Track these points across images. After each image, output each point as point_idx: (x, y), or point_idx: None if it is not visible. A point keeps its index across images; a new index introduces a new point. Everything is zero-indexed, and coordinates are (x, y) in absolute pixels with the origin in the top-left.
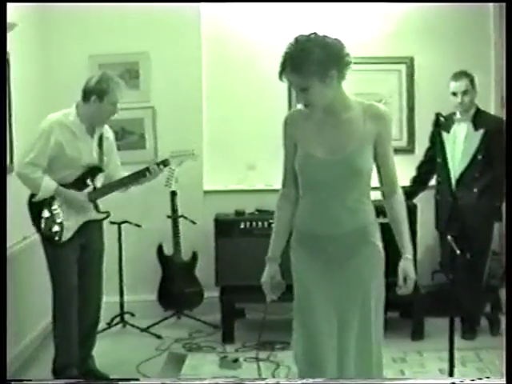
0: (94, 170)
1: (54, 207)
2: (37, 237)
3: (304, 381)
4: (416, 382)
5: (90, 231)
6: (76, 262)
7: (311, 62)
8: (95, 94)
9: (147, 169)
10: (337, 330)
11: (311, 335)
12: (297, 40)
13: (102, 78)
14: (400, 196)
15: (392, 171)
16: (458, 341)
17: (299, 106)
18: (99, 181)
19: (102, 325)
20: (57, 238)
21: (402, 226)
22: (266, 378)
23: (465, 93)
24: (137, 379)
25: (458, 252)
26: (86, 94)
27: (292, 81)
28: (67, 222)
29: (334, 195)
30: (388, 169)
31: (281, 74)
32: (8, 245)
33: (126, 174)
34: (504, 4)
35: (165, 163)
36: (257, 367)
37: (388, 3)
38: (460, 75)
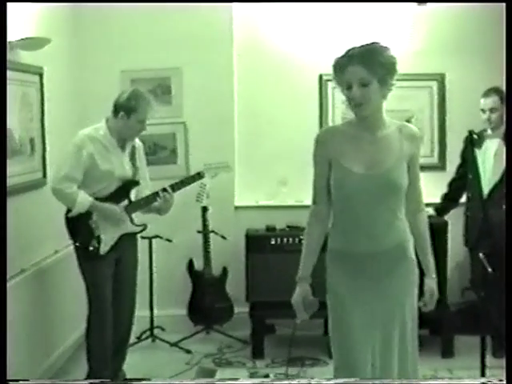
0: (129, 184)
1: (91, 221)
2: (68, 250)
3: (335, 381)
4: (446, 383)
5: (125, 245)
6: (111, 275)
7: (383, 58)
8: (123, 110)
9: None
10: (378, 347)
11: (349, 354)
12: (360, 45)
13: (131, 94)
14: (425, 215)
15: (419, 190)
16: (489, 359)
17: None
18: (134, 194)
19: (131, 339)
20: (95, 252)
21: (427, 245)
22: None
23: (492, 110)
24: (149, 379)
25: (490, 270)
26: (116, 109)
27: (356, 73)
28: (105, 236)
29: (371, 211)
30: (416, 188)
31: (346, 66)
32: (39, 258)
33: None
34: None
35: (200, 175)
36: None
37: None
38: (490, 92)
